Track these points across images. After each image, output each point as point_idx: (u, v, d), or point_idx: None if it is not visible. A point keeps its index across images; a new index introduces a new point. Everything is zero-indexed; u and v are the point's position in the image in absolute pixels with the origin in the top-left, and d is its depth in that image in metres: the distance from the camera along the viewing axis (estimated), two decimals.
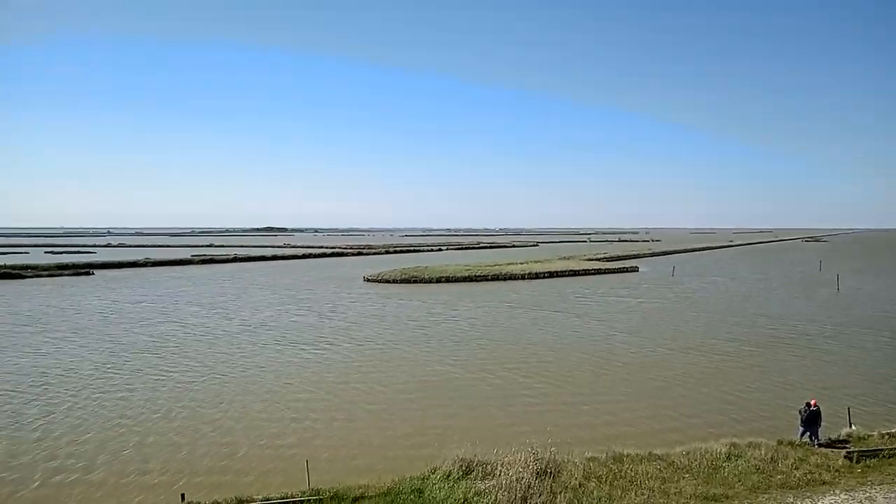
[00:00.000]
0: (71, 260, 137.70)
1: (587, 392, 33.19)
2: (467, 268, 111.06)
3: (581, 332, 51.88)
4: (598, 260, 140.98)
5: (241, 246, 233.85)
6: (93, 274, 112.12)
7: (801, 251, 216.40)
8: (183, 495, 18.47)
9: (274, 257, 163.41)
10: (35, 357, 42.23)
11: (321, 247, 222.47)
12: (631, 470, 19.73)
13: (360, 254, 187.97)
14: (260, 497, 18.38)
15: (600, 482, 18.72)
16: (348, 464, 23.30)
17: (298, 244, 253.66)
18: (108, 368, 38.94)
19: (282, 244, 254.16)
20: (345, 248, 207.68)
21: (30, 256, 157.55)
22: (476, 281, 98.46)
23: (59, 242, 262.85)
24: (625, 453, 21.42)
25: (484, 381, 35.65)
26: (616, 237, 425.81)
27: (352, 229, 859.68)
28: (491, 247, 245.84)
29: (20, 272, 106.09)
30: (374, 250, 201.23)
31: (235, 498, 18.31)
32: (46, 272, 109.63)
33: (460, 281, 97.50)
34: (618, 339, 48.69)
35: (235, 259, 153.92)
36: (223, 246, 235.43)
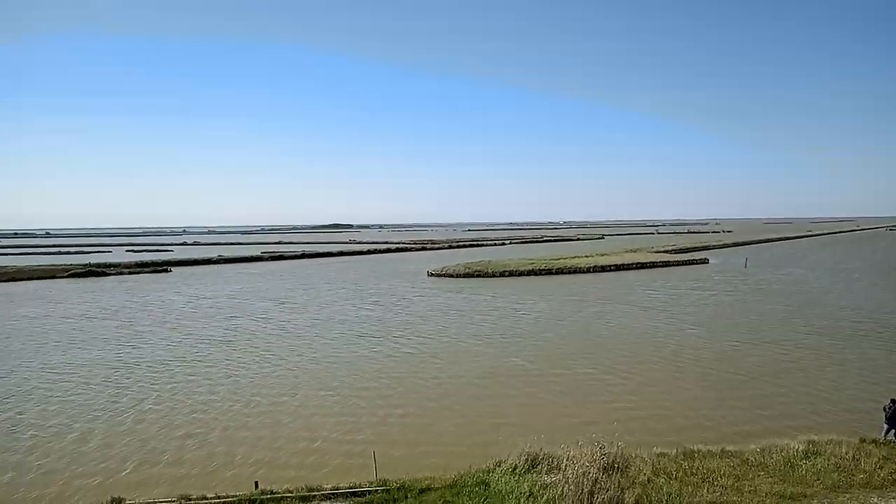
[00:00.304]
0: (150, 258, 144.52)
1: (657, 386, 32.62)
2: (531, 261, 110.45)
3: (650, 325, 50.89)
4: (666, 252, 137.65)
5: (309, 242, 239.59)
6: (170, 271, 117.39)
7: (884, 240, 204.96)
8: (256, 483, 19.27)
9: (340, 253, 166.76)
10: (122, 350, 44.67)
11: (385, 242, 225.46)
12: (702, 466, 19.36)
13: (423, 249, 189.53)
14: (329, 487, 18.97)
15: (670, 478, 18.45)
16: (415, 456, 23.75)
17: (363, 240, 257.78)
18: (191, 360, 40.85)
19: (347, 240, 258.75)
20: (409, 244, 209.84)
21: (113, 255, 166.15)
22: (540, 274, 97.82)
23: (140, 242, 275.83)
24: (696, 449, 21.02)
25: (550, 374, 35.53)
26: (685, 228, 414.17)
27: (415, 224, 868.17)
28: (555, 240, 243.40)
29: (104, 270, 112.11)
30: (437, 245, 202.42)
31: (305, 486, 18.95)
32: (128, 270, 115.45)
33: (524, 275, 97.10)
34: (689, 332, 47.53)
35: (303, 255, 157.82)
36: (291, 243, 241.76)
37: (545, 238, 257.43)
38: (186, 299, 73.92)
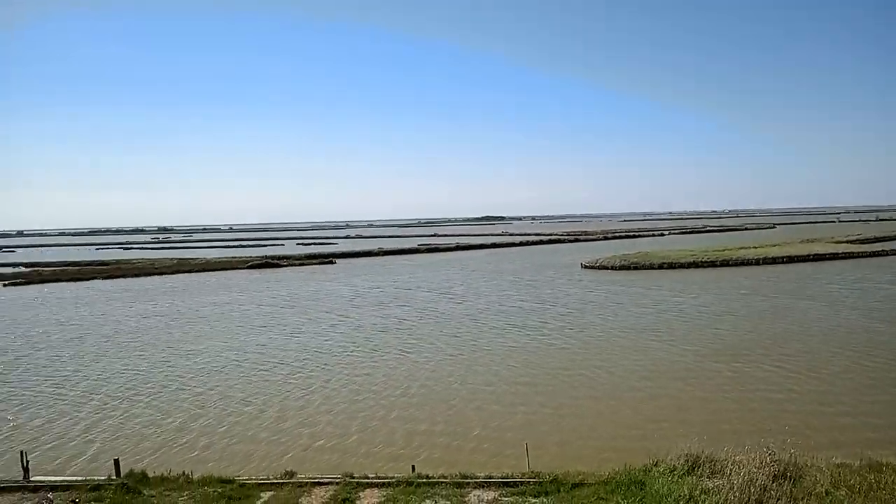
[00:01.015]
0: (317, 251, 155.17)
1: (839, 390, 29.65)
2: (692, 253, 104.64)
3: (832, 322, 46.26)
4: (850, 242, 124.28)
5: (462, 235, 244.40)
6: (335, 263, 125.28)
7: None
8: (413, 466, 20.05)
9: (493, 245, 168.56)
10: (294, 335, 48.46)
11: (538, 234, 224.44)
12: (892, 481, 17.31)
13: (576, 240, 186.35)
14: (482, 475, 19.28)
15: (852, 492, 16.69)
16: (568, 450, 23.51)
17: (516, 232, 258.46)
18: (366, 347, 43.39)
19: (500, 232, 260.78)
20: (561, 235, 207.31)
21: (285, 248, 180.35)
22: (703, 266, 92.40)
23: (308, 235, 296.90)
24: (885, 462, 18.84)
25: (716, 372, 33.52)
26: (873, 215, 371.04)
27: (567, 216, 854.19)
28: (719, 230, 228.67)
29: (278, 262, 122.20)
30: (590, 236, 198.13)
31: (459, 474, 19.40)
32: (298, 262, 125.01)
33: (685, 267, 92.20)
34: (879, 330, 42.62)
35: (458, 247, 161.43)
36: (446, 235, 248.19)
37: (707, 228, 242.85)
38: (354, 289, 78.47)
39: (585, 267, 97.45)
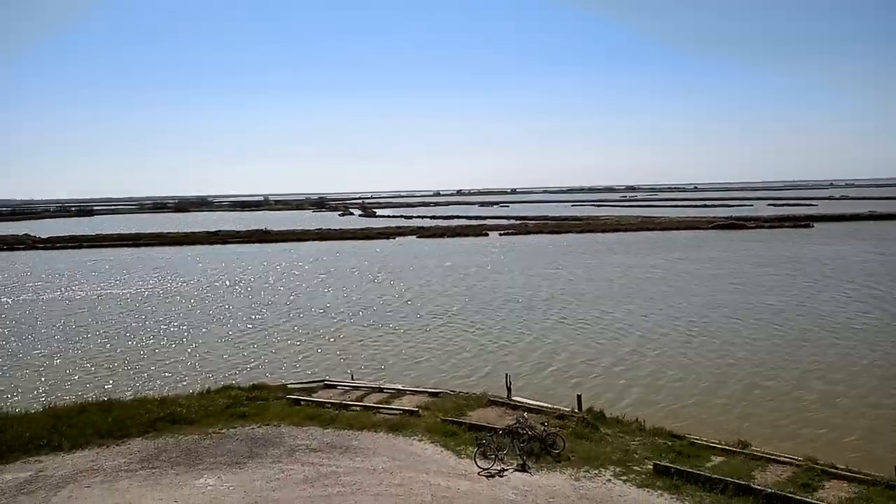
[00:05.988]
0: (791, 212, 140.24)
1: None
2: None
3: None
4: None
5: None
6: (812, 227, 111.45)
7: None
8: None
9: None
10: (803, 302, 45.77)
11: None
12: None
13: None
14: None
15: None
16: None
17: None
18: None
19: None
20: None
21: (753, 209, 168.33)
22: None
23: (781, 196, 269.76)
24: None
25: None
26: None
27: None
28: None
29: (744, 223, 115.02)
30: None
31: None
32: (768, 223, 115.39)
33: None
34: None
35: None
36: None
37: None
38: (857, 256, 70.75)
39: None
